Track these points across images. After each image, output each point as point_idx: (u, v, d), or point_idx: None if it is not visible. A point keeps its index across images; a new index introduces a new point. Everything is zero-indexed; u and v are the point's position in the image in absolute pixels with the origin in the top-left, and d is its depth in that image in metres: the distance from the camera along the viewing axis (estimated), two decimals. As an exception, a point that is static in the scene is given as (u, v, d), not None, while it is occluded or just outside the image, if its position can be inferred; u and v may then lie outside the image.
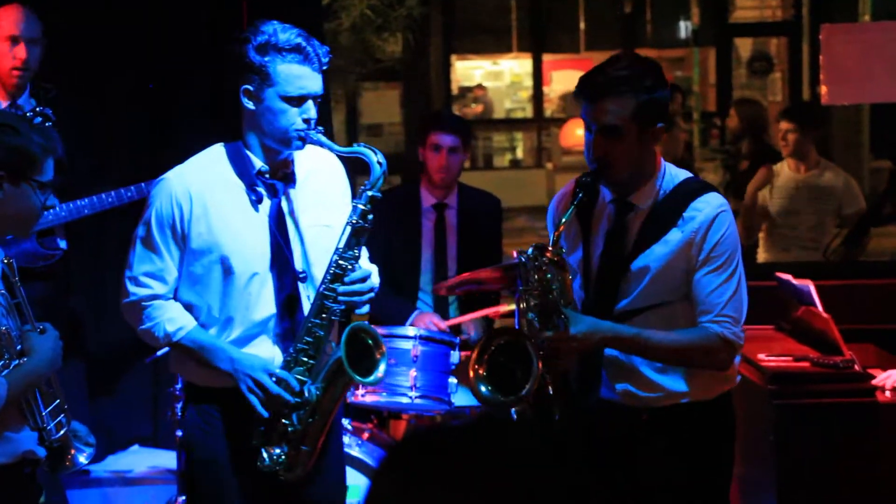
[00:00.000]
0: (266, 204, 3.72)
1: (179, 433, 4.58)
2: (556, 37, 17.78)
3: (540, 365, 3.49)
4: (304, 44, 3.62)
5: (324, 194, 3.82)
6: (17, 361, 3.28)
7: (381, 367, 3.69)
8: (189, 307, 3.72)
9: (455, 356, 4.98)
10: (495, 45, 17.96)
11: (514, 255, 3.59)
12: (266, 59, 3.61)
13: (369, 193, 3.67)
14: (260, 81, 3.62)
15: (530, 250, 3.51)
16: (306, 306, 3.71)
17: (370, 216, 3.67)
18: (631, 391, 3.63)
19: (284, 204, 3.74)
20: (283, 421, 3.67)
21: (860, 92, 6.68)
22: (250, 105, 3.67)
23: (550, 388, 3.56)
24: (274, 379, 3.64)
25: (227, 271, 3.67)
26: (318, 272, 3.71)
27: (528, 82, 18.20)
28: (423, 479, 1.56)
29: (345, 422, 5.04)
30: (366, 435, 5.00)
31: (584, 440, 3.55)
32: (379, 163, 3.66)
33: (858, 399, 4.33)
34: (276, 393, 3.63)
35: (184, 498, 4.59)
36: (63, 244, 5.01)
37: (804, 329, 4.82)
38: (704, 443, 3.64)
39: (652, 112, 3.53)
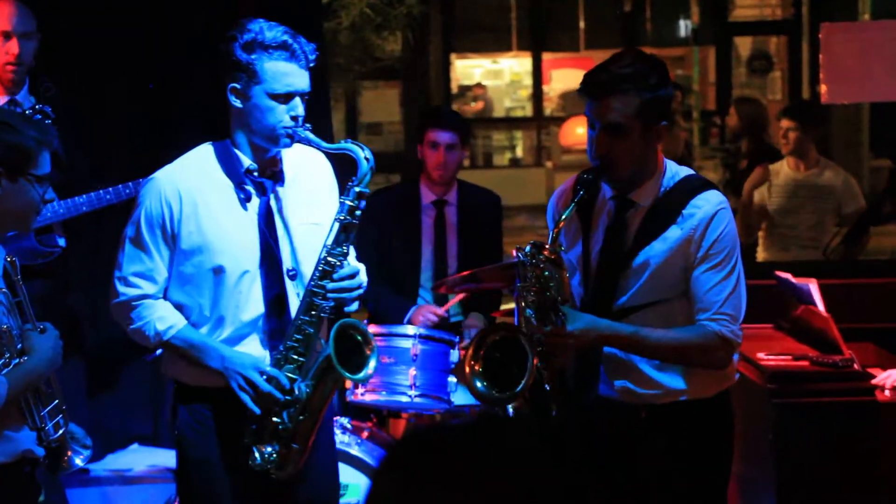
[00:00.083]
0: (255, 202, 3.73)
1: (179, 432, 4.57)
2: (555, 35, 17.78)
3: (535, 361, 3.49)
4: (290, 41, 3.63)
5: (312, 192, 3.82)
6: (17, 360, 3.28)
7: (371, 364, 3.69)
8: (179, 307, 3.72)
9: (454, 355, 4.98)
10: (495, 43, 17.96)
11: (514, 253, 3.59)
12: (253, 56, 3.62)
13: (357, 189, 3.66)
14: (247, 79, 3.63)
15: (528, 248, 3.51)
16: (296, 304, 3.71)
17: (358, 212, 3.67)
18: (630, 388, 3.62)
19: (273, 202, 3.75)
20: (274, 419, 3.67)
21: (860, 91, 6.68)
22: (238, 103, 3.67)
23: (547, 384, 3.56)
24: (265, 377, 3.65)
25: (218, 270, 3.67)
26: (308, 270, 3.72)
27: (528, 81, 18.20)
28: (422, 477, 1.56)
29: (344, 420, 5.04)
30: (365, 434, 5.00)
31: (583, 438, 3.56)
32: (366, 158, 3.65)
33: (858, 398, 4.33)
34: (267, 391, 3.63)
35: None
36: (62, 241, 5.00)
37: (803, 328, 4.82)
38: (703, 441, 3.64)
39: (656, 110, 3.53)
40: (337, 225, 3.66)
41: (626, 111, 3.49)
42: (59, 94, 5.03)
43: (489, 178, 13.48)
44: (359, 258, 5.50)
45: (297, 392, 3.66)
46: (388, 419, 5.35)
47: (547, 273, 3.49)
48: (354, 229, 3.68)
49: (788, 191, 6.83)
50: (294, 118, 3.64)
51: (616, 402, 3.64)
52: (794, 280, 4.87)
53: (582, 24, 17.70)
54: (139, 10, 5.55)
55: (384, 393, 4.94)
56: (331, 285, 3.65)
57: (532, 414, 3.58)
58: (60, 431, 3.41)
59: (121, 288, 3.72)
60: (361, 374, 3.71)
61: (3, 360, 3.26)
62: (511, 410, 4.15)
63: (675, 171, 3.65)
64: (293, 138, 3.65)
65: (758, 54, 14.34)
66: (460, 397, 4.97)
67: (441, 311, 5.33)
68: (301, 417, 3.68)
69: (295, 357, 3.68)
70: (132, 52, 5.54)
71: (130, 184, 4.88)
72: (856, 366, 4.42)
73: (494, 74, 18.70)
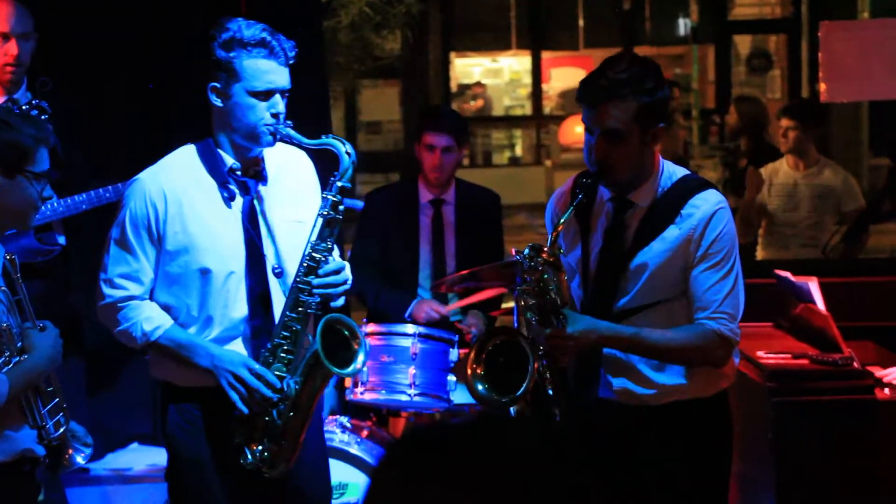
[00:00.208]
0: (238, 201, 3.72)
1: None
2: (555, 34, 17.77)
3: (536, 365, 3.49)
4: (269, 38, 3.63)
5: (295, 191, 3.82)
6: (17, 358, 3.28)
7: (360, 358, 3.68)
8: (167, 308, 3.71)
9: (454, 354, 4.98)
10: (494, 42, 17.95)
11: (513, 253, 3.59)
12: (232, 54, 3.62)
13: (339, 184, 3.66)
14: (227, 78, 3.63)
15: (527, 250, 3.51)
16: (281, 302, 3.70)
17: (341, 207, 3.67)
18: (629, 389, 3.62)
19: (256, 201, 3.74)
20: (265, 417, 3.66)
21: (859, 89, 6.68)
22: (218, 102, 3.68)
23: (550, 388, 3.56)
24: (254, 374, 3.64)
25: (205, 271, 3.67)
26: (292, 268, 3.71)
27: (527, 80, 18.19)
28: (422, 476, 1.56)
29: (344, 419, 5.04)
30: (365, 433, 5.00)
31: (583, 439, 3.56)
32: (348, 153, 3.65)
33: (857, 396, 4.33)
34: (256, 388, 3.62)
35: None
36: (62, 240, 5.00)
37: (803, 326, 4.82)
38: (702, 441, 3.64)
39: (653, 113, 3.54)
40: (320, 220, 3.66)
41: (623, 117, 3.50)
42: (55, 90, 5.03)
43: (488, 176, 13.49)
44: (360, 256, 5.54)
45: (286, 389, 3.65)
46: (388, 418, 5.35)
47: (546, 276, 3.49)
48: (338, 224, 3.68)
49: (788, 189, 6.83)
50: (275, 115, 3.64)
51: (615, 404, 3.64)
52: (793, 278, 4.86)
53: (581, 23, 17.70)
54: (139, 10, 5.55)
55: (384, 392, 4.93)
56: (316, 281, 3.65)
57: (534, 417, 3.58)
58: (61, 430, 3.41)
59: (106, 290, 3.70)
60: (350, 369, 3.70)
61: (3, 359, 3.26)
62: (512, 410, 4.15)
63: (672, 172, 3.66)
64: (276, 136, 3.65)
65: (757, 53, 14.34)
66: (460, 396, 4.97)
67: (444, 309, 5.33)
68: (291, 414, 3.67)
69: (283, 354, 3.67)
70: (132, 52, 5.54)
71: (130, 182, 4.88)
72: (855, 364, 4.42)
73: (494, 73, 18.69)
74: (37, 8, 5.03)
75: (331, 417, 5.07)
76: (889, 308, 5.59)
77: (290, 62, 3.68)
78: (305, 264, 3.65)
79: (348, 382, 5.07)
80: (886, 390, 4.44)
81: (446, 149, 5.42)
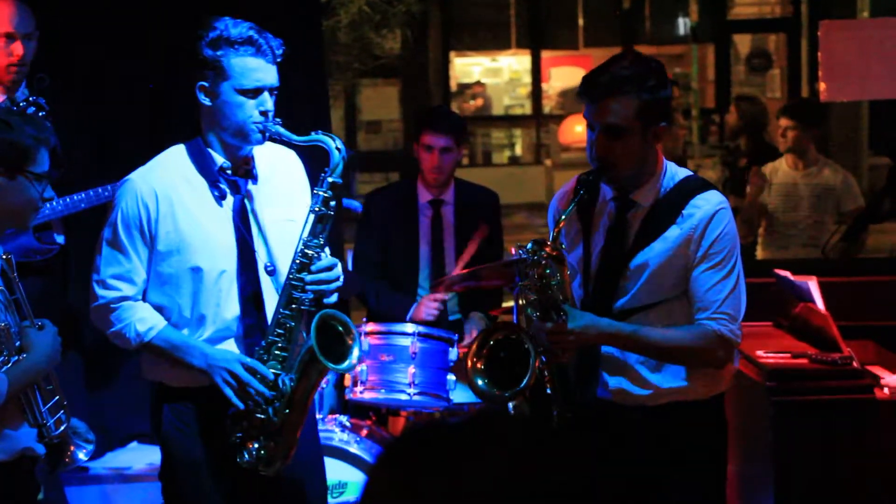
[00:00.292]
0: (229, 200, 3.73)
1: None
2: (554, 33, 17.77)
3: (537, 363, 3.49)
4: (256, 36, 3.63)
5: (285, 189, 3.83)
6: (16, 357, 3.28)
7: (354, 354, 3.68)
8: (159, 309, 3.70)
9: (453, 353, 4.98)
10: (494, 41, 17.95)
11: (513, 251, 3.60)
12: (219, 53, 3.62)
13: (330, 180, 3.66)
14: (215, 76, 3.63)
15: (529, 245, 3.51)
16: (274, 301, 3.70)
17: (332, 202, 3.67)
18: (625, 389, 3.62)
19: (247, 200, 3.74)
20: (260, 415, 3.66)
21: (859, 89, 6.68)
22: (207, 101, 3.68)
23: (548, 387, 3.56)
24: (249, 371, 3.63)
25: (196, 270, 3.67)
26: (285, 267, 3.71)
27: (527, 79, 18.19)
28: (420, 475, 1.56)
29: (343, 418, 5.04)
30: (364, 432, 5.00)
31: (581, 438, 3.56)
32: (338, 149, 3.65)
33: (856, 396, 4.33)
34: (251, 383, 3.62)
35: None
36: (60, 239, 5.00)
37: (802, 326, 4.82)
38: (698, 443, 3.64)
39: (655, 111, 3.54)
40: (312, 216, 3.66)
41: (625, 113, 3.50)
42: (52, 85, 5.02)
43: (488, 176, 13.48)
44: (362, 257, 5.54)
45: (281, 386, 3.65)
46: (388, 417, 5.35)
47: (548, 271, 3.49)
48: (330, 220, 3.68)
49: (787, 189, 6.83)
50: (263, 113, 3.64)
51: (611, 404, 3.64)
52: (793, 278, 4.86)
53: (581, 22, 17.69)
54: (139, 10, 5.54)
55: (383, 391, 4.94)
56: (309, 277, 3.65)
57: (532, 414, 3.58)
58: (62, 428, 3.41)
59: (99, 291, 3.70)
60: (345, 365, 3.70)
61: (2, 358, 3.26)
62: (511, 409, 4.15)
63: (674, 172, 3.66)
64: (265, 134, 3.66)
65: (757, 52, 14.33)
66: (459, 395, 4.98)
67: (441, 295, 5.30)
68: (287, 411, 3.67)
69: (277, 352, 3.67)
70: (132, 52, 5.54)
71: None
72: (855, 364, 4.42)
73: (493, 72, 18.69)
74: (37, 6, 5.03)
75: (330, 416, 5.07)
76: (889, 308, 5.59)
77: (278, 60, 3.68)
78: (298, 261, 3.65)
79: (348, 381, 5.08)
80: (886, 390, 4.44)
81: (445, 149, 5.42)
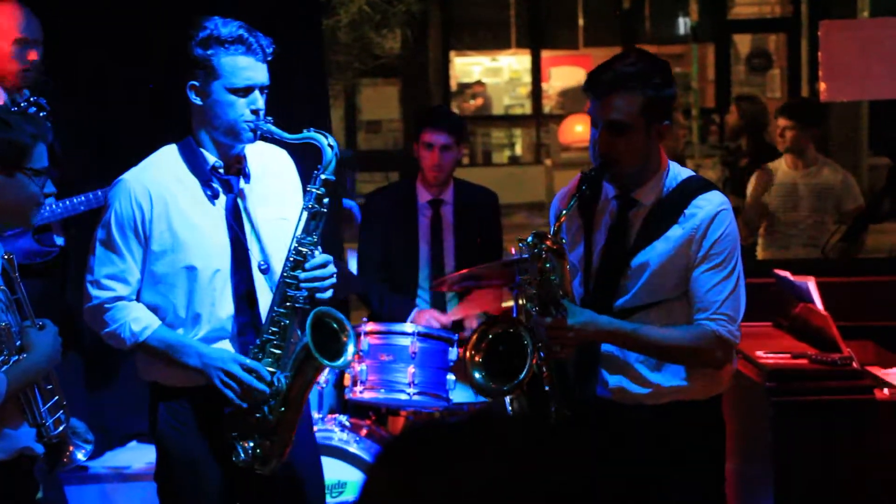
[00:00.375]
0: (222, 199, 3.73)
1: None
2: (554, 33, 17.77)
3: (535, 358, 3.49)
4: (246, 35, 3.64)
5: (278, 188, 3.83)
6: (16, 357, 3.28)
7: (350, 350, 3.68)
8: (154, 309, 3.70)
9: (453, 353, 4.98)
10: (494, 41, 17.95)
11: (513, 250, 3.60)
12: (209, 52, 3.63)
13: (323, 177, 3.66)
14: (205, 76, 3.64)
15: (530, 238, 3.52)
16: (268, 299, 3.70)
17: (325, 200, 3.66)
18: (624, 388, 3.62)
19: (239, 199, 3.75)
20: (256, 414, 3.66)
21: (859, 88, 6.68)
22: (198, 101, 3.68)
23: (546, 384, 3.57)
24: (245, 369, 3.64)
25: (191, 269, 3.67)
26: (278, 266, 3.71)
27: (527, 78, 18.20)
28: (420, 475, 1.56)
29: (343, 418, 5.04)
30: (364, 431, 5.00)
31: (580, 437, 3.56)
32: (330, 146, 3.65)
33: (856, 396, 4.33)
34: (249, 382, 3.62)
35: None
36: (60, 241, 5.00)
37: (802, 326, 4.82)
38: (695, 444, 3.63)
39: (659, 109, 3.54)
40: (305, 214, 3.66)
41: (628, 109, 3.50)
42: (52, 84, 5.02)
43: (488, 175, 13.49)
44: (364, 258, 5.54)
45: (276, 384, 3.65)
46: (387, 417, 5.35)
47: (549, 265, 3.49)
48: (323, 217, 3.67)
49: (787, 189, 6.83)
50: (255, 111, 3.65)
51: (611, 403, 3.64)
52: (792, 278, 4.86)
53: (581, 22, 17.70)
54: (139, 10, 5.55)
55: (383, 391, 4.94)
56: (303, 275, 3.65)
57: (530, 412, 3.58)
58: (61, 427, 3.41)
59: (93, 291, 3.69)
60: (340, 362, 3.70)
61: (2, 357, 3.26)
62: (510, 408, 4.15)
63: (677, 172, 3.66)
64: (256, 132, 3.66)
65: (757, 52, 14.34)
66: (459, 395, 4.98)
67: (445, 319, 5.33)
68: (282, 409, 3.67)
69: (272, 350, 3.67)
70: (133, 54, 5.54)
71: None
72: (854, 364, 4.42)
73: (493, 72, 18.70)
74: (38, 8, 5.04)
75: (330, 416, 5.08)
76: (889, 308, 5.59)
77: (269, 58, 3.69)
78: (292, 259, 3.65)
79: (347, 381, 5.08)
80: (886, 390, 4.43)
81: (445, 147, 5.43)
